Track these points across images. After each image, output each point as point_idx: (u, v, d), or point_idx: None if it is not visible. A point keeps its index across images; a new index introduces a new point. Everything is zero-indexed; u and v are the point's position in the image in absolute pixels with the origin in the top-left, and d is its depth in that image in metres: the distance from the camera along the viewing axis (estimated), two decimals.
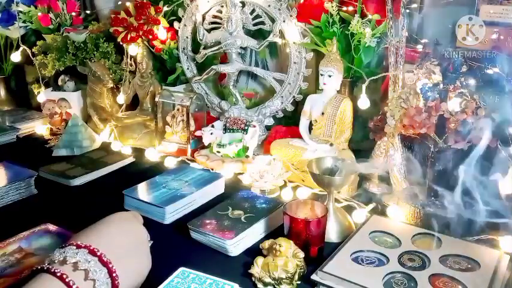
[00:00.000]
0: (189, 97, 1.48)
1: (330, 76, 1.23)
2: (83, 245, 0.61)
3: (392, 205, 1.07)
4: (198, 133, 1.42)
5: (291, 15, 1.36)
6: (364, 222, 1.00)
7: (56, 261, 0.60)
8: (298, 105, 1.45)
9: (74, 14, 1.81)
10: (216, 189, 1.20)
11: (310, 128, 1.32)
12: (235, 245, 0.93)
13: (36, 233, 0.97)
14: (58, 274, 0.57)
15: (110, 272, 0.61)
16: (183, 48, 1.59)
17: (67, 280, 0.57)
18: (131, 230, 0.71)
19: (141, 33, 1.56)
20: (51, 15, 1.78)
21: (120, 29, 1.58)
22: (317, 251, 0.90)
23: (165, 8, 1.58)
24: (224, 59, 1.55)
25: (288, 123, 1.47)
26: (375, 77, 1.17)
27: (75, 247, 0.61)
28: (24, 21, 1.80)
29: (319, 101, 1.28)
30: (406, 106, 1.01)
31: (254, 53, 1.56)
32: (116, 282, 0.61)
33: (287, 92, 1.45)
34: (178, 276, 0.74)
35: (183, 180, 1.19)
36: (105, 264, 0.61)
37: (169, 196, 1.10)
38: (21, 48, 1.75)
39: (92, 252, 0.61)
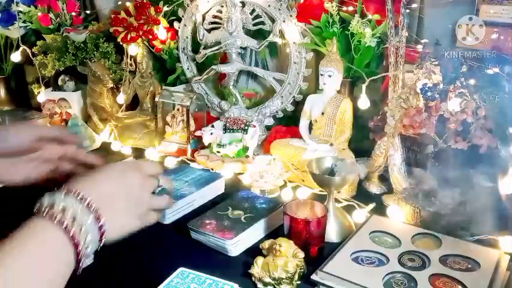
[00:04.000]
0: (189, 97, 1.48)
1: (330, 76, 1.23)
2: (72, 191, 0.62)
3: (392, 205, 1.07)
4: (198, 133, 1.42)
5: (291, 15, 1.36)
6: (364, 222, 1.00)
7: (44, 205, 0.61)
8: (298, 105, 1.45)
9: (74, 14, 1.80)
10: (216, 189, 1.20)
11: (310, 128, 1.32)
12: (235, 245, 0.93)
13: None
14: (47, 216, 0.58)
15: (97, 218, 0.61)
16: (183, 48, 1.59)
17: (57, 220, 0.58)
18: (126, 183, 0.68)
19: (141, 33, 1.56)
20: (51, 15, 1.77)
21: (120, 29, 1.58)
22: (317, 251, 0.90)
23: (165, 8, 1.58)
24: (224, 59, 1.55)
25: (288, 123, 1.46)
26: (375, 77, 1.17)
27: (64, 191, 0.62)
28: (24, 21, 1.79)
29: (319, 101, 1.28)
30: (406, 106, 1.02)
31: (254, 53, 1.56)
32: (102, 229, 0.62)
33: (287, 92, 1.45)
34: (178, 276, 0.74)
35: (183, 180, 1.19)
36: (92, 211, 0.61)
37: None
38: (21, 48, 1.75)
39: (81, 198, 0.61)
